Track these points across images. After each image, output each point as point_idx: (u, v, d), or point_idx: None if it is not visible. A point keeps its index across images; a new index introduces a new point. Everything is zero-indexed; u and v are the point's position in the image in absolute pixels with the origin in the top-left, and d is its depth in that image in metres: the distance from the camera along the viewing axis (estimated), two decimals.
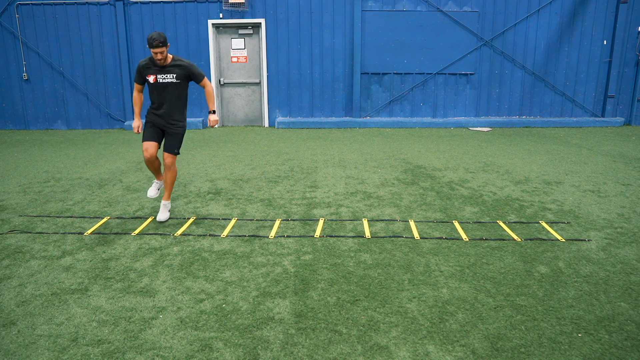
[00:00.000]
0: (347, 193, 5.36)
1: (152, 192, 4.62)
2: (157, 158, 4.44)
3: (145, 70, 4.29)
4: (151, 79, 4.28)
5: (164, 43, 4.06)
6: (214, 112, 4.43)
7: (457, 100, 11.04)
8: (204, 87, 4.42)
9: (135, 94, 4.49)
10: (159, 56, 4.12)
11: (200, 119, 10.85)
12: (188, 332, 2.64)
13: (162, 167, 4.58)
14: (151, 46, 4.06)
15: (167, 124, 4.38)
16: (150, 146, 4.36)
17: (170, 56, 4.27)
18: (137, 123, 4.49)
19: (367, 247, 3.82)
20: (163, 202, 4.51)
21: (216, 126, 4.25)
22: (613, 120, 10.84)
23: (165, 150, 4.39)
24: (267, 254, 3.68)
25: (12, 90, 10.92)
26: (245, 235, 4.08)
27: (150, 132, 4.39)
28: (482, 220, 4.43)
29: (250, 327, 2.68)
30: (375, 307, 2.89)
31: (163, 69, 4.25)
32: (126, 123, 10.81)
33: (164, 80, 4.27)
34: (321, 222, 4.39)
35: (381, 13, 10.60)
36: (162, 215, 4.47)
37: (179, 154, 4.43)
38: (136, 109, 4.52)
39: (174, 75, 4.27)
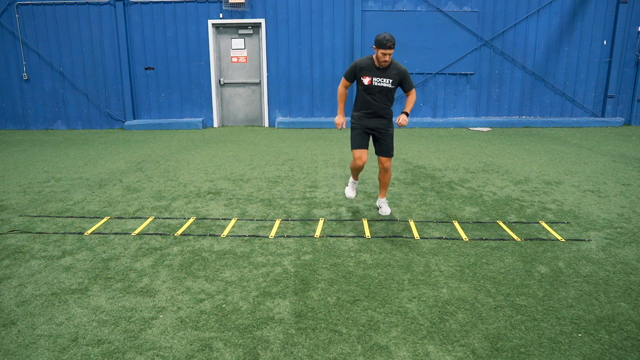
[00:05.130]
0: None
1: (352, 192, 4.60)
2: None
3: (361, 71, 4.10)
4: (366, 80, 4.08)
5: (394, 45, 3.91)
6: (407, 114, 4.15)
7: (457, 100, 11.04)
8: (408, 95, 4.24)
9: (341, 89, 4.28)
10: (387, 58, 3.94)
11: (201, 119, 10.85)
12: (188, 332, 2.64)
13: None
14: (383, 47, 3.88)
15: (378, 128, 4.23)
16: (363, 154, 4.26)
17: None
18: (341, 119, 4.28)
19: (367, 247, 3.82)
20: (382, 199, 4.50)
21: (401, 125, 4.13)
22: (613, 120, 10.84)
23: (382, 154, 4.27)
24: (267, 254, 3.68)
25: (12, 90, 10.92)
26: (245, 235, 4.08)
27: (360, 139, 4.25)
28: (482, 220, 4.43)
29: (250, 327, 2.67)
30: (375, 307, 2.89)
31: (381, 71, 4.06)
32: (126, 123, 10.81)
33: (379, 84, 4.08)
34: (321, 222, 4.39)
35: (381, 13, 10.60)
36: (387, 209, 4.47)
37: (393, 155, 4.35)
38: (341, 105, 4.34)
39: (390, 80, 4.08)
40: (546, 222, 4.35)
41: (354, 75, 4.17)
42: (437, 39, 10.70)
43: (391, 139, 4.28)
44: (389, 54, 3.94)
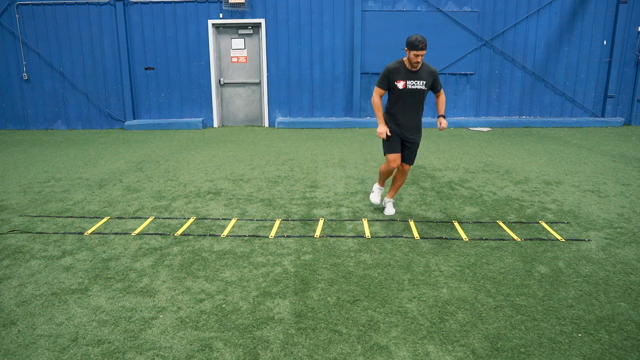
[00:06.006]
0: (347, 193, 5.36)
1: (378, 198, 4.64)
2: None
3: (394, 75, 4.08)
4: (400, 84, 4.08)
5: (427, 46, 3.90)
6: (444, 116, 4.26)
7: (457, 101, 11.04)
8: (438, 96, 4.29)
9: (377, 98, 4.23)
10: (419, 59, 3.95)
11: (201, 119, 10.85)
12: (188, 332, 2.63)
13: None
14: (415, 48, 3.88)
15: (409, 134, 4.26)
16: (397, 157, 4.29)
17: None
18: (385, 129, 4.21)
19: (367, 247, 3.82)
20: (389, 199, 4.59)
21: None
22: (613, 120, 10.84)
23: (405, 161, 4.37)
24: (267, 254, 3.68)
25: (12, 90, 10.92)
26: (245, 235, 4.08)
27: (395, 144, 4.27)
28: (482, 220, 4.43)
29: (250, 327, 2.67)
30: (375, 307, 2.89)
31: (413, 74, 4.07)
32: (126, 123, 10.81)
33: (413, 87, 4.08)
34: (321, 222, 4.39)
35: (381, 13, 10.60)
36: (392, 209, 4.57)
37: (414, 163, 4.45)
38: (379, 114, 4.26)
39: (424, 82, 4.09)
40: (546, 222, 4.35)
41: (387, 81, 4.14)
42: (437, 39, 10.69)
43: (417, 147, 4.37)
44: (421, 55, 3.94)
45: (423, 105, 4.26)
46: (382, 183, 4.62)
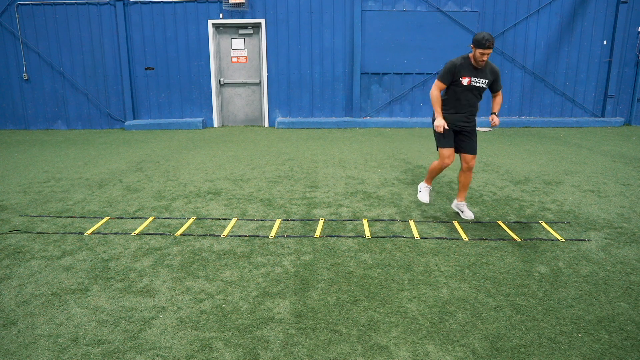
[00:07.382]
0: (347, 193, 5.36)
1: (428, 197, 4.57)
2: None
3: (460, 71, 4.08)
4: (465, 80, 4.09)
5: (493, 45, 3.89)
6: (496, 114, 4.25)
7: None
8: (495, 96, 4.30)
9: (436, 92, 4.21)
10: (485, 57, 3.95)
11: (201, 119, 10.85)
12: (188, 332, 2.63)
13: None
14: (482, 47, 3.88)
15: (466, 125, 4.24)
16: (452, 153, 4.25)
17: None
18: (443, 122, 4.19)
19: (367, 247, 3.82)
20: (462, 203, 4.49)
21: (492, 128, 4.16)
22: (613, 120, 10.84)
23: (468, 152, 4.27)
24: (267, 254, 3.68)
25: (12, 90, 10.93)
26: (245, 235, 4.08)
27: (449, 137, 4.24)
28: (482, 220, 4.43)
29: (250, 327, 2.67)
30: (375, 307, 2.89)
31: (477, 71, 4.09)
32: (126, 123, 10.82)
33: (476, 84, 4.10)
34: (321, 222, 4.39)
35: (381, 13, 10.60)
36: (470, 212, 4.46)
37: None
38: (439, 108, 4.23)
39: (486, 81, 4.12)
40: (546, 222, 4.35)
41: (451, 77, 4.13)
42: (437, 39, 10.70)
43: (476, 136, 4.30)
44: (487, 54, 3.95)
45: (479, 101, 4.25)
46: (429, 181, 4.54)
